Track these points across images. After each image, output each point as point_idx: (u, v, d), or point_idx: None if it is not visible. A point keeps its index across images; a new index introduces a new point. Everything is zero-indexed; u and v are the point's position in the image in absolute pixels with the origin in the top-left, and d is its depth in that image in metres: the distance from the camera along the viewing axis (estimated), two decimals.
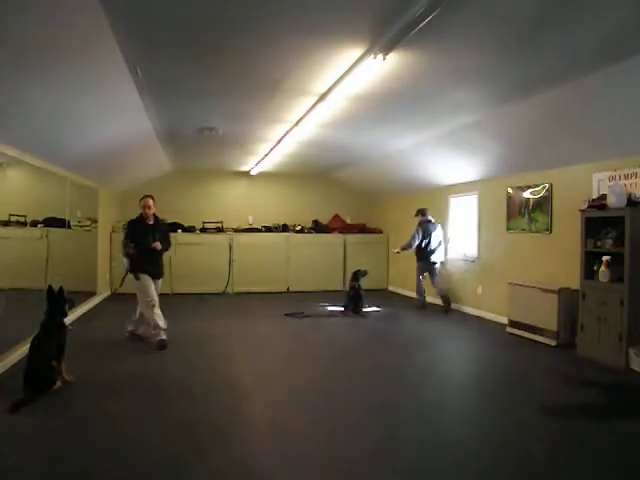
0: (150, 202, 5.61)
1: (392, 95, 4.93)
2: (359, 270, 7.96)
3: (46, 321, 4.07)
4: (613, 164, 5.33)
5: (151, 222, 5.63)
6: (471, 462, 2.94)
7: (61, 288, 4.21)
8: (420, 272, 8.34)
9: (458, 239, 8.45)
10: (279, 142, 7.41)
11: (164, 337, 5.43)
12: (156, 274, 5.69)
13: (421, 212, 8.39)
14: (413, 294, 9.74)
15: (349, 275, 8.35)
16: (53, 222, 6.29)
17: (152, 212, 5.62)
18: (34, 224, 5.90)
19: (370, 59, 3.76)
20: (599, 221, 5.12)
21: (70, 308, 4.39)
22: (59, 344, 4.02)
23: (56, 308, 4.12)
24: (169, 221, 10.10)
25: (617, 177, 5.27)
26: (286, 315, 7.53)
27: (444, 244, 8.45)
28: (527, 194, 6.70)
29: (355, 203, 11.67)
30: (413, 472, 2.79)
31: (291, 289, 10.38)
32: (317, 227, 11.01)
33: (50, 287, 4.18)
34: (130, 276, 5.67)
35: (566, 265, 5.83)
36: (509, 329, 6.39)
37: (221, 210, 10.74)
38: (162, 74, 4.47)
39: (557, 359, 5.26)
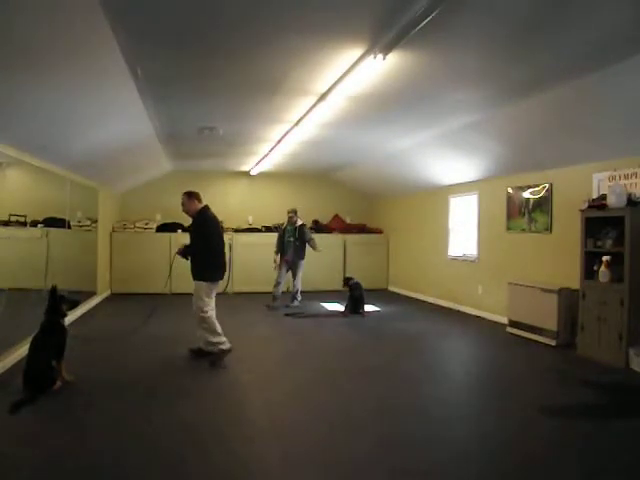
0: (182, 199, 5.02)
1: (392, 95, 4.93)
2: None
3: (46, 321, 4.06)
4: (613, 164, 5.33)
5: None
6: (471, 462, 2.94)
7: (56, 288, 4.17)
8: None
9: (458, 239, 8.45)
10: (279, 142, 7.42)
11: (199, 346, 4.98)
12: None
13: (296, 212, 8.33)
14: (414, 294, 9.76)
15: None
16: (53, 222, 6.29)
17: (186, 210, 5.03)
18: (34, 224, 5.90)
19: (370, 59, 3.76)
20: (599, 221, 5.12)
21: (72, 308, 4.38)
22: (59, 344, 4.02)
23: (56, 308, 4.11)
24: (168, 221, 10.16)
25: (617, 177, 5.27)
26: (286, 315, 7.53)
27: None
28: (527, 194, 6.70)
29: (355, 203, 11.67)
30: (413, 472, 2.79)
31: (291, 289, 10.36)
32: (317, 227, 11.00)
33: (54, 287, 4.16)
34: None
35: (566, 265, 5.82)
36: (509, 329, 6.39)
37: (221, 210, 10.59)
38: (162, 74, 4.47)
39: (557, 359, 5.26)
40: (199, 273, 4.92)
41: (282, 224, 8.54)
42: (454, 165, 7.62)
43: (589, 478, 2.76)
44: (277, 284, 8.18)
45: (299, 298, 8.32)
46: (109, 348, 5.44)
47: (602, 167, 5.47)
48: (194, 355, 5.00)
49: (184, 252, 4.98)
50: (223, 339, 4.87)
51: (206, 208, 5.05)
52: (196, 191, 5.09)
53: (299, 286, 8.35)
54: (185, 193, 5.05)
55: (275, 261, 8.28)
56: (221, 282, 5.04)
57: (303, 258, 8.22)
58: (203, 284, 4.87)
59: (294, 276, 8.32)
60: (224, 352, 4.85)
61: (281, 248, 8.24)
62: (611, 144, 5.15)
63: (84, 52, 3.61)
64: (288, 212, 8.32)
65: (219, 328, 4.88)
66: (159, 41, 3.71)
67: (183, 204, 5.01)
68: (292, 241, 8.15)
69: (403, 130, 6.56)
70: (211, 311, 4.89)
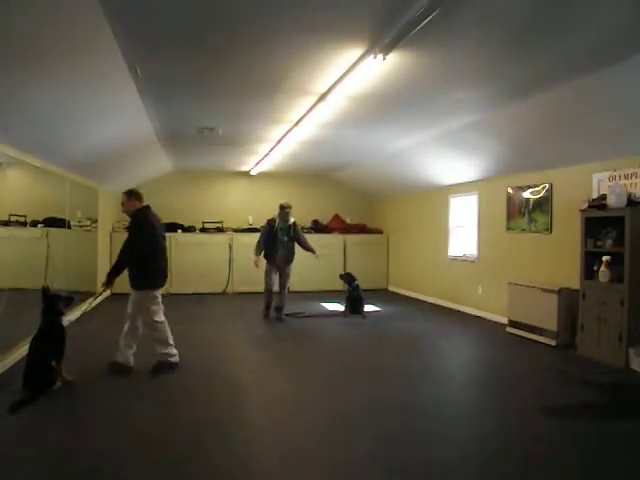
0: (122, 199, 4.63)
1: (392, 95, 4.93)
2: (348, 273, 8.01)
3: (43, 322, 4.05)
4: (613, 164, 5.33)
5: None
6: (471, 462, 2.94)
7: (47, 288, 4.15)
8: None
9: (458, 239, 8.45)
10: (279, 142, 7.42)
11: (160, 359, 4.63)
12: None
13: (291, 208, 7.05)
14: (414, 294, 9.76)
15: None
16: (53, 222, 6.29)
17: (125, 210, 4.62)
18: (34, 224, 5.91)
19: (370, 59, 3.76)
20: (599, 221, 5.12)
21: (69, 305, 4.37)
22: (58, 344, 4.02)
23: (52, 308, 4.09)
24: (168, 221, 10.14)
25: (617, 177, 5.27)
26: (286, 315, 7.52)
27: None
28: (527, 194, 6.70)
29: (355, 203, 11.68)
30: (413, 472, 2.79)
31: (291, 289, 10.29)
32: (317, 227, 11.00)
33: (45, 287, 4.15)
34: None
35: (566, 265, 5.82)
36: (509, 329, 6.39)
37: (221, 210, 10.74)
38: (162, 74, 4.47)
39: (557, 359, 5.26)
40: (137, 281, 4.48)
41: (273, 219, 7.04)
42: (454, 165, 7.62)
43: (589, 478, 2.76)
44: (268, 292, 7.18)
45: (283, 317, 7.21)
46: (109, 348, 5.43)
47: (602, 167, 5.46)
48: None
49: (111, 278, 4.46)
50: (174, 351, 4.61)
51: (146, 208, 4.61)
52: (138, 190, 4.72)
53: (285, 301, 7.21)
54: (125, 192, 4.66)
55: (256, 263, 6.93)
56: (162, 290, 4.68)
57: (292, 262, 7.12)
58: (143, 294, 4.49)
59: (282, 286, 7.12)
60: (172, 365, 4.55)
61: (264, 249, 6.96)
62: (611, 144, 5.15)
63: (84, 52, 3.61)
64: (283, 207, 6.92)
65: (170, 338, 4.61)
66: (159, 41, 3.71)
67: (123, 204, 4.63)
68: (286, 241, 6.92)
69: (403, 130, 6.56)
70: (163, 318, 4.60)
